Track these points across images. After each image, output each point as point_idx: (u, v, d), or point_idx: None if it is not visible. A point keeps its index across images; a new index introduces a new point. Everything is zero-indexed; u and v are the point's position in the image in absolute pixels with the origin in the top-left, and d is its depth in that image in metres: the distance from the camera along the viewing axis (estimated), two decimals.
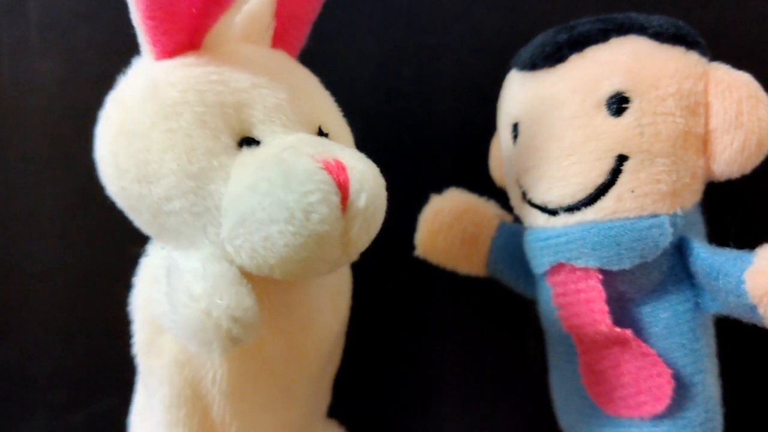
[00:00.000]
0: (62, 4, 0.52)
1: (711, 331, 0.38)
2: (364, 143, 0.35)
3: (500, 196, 0.44)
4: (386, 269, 0.48)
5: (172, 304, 0.29)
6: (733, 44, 0.46)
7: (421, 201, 0.45)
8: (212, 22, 0.31)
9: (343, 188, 0.29)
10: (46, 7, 0.52)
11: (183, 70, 0.31)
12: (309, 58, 0.39)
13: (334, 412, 0.45)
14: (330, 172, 0.29)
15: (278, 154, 0.30)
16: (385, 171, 0.33)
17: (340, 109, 0.37)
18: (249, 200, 0.29)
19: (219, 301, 0.28)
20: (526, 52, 0.39)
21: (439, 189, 0.45)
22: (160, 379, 0.34)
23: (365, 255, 0.44)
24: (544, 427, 0.45)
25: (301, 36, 0.38)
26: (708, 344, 0.38)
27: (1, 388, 0.53)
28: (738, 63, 0.37)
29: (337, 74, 0.38)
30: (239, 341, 0.28)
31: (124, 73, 0.34)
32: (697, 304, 0.37)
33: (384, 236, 0.35)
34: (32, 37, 0.51)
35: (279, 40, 0.37)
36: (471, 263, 0.44)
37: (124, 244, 0.51)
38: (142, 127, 0.31)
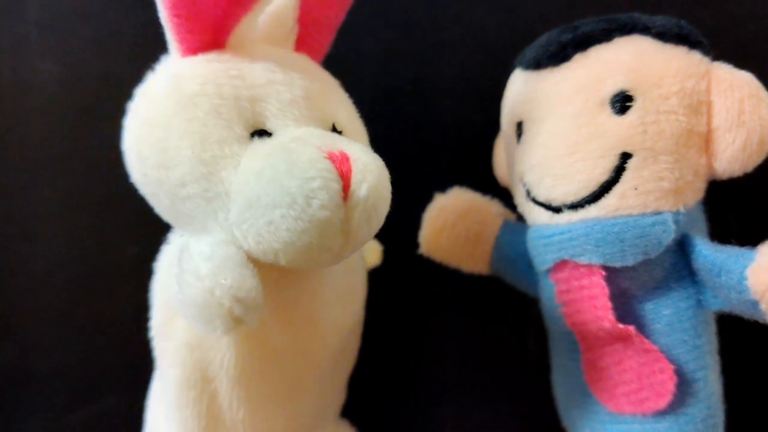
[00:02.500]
0: (62, 4, 0.51)
1: (713, 328, 0.38)
2: None
3: (502, 196, 0.45)
4: (389, 267, 0.48)
5: (179, 284, 0.30)
6: (733, 43, 0.46)
7: (423, 200, 0.45)
8: (235, 22, 0.33)
9: (345, 177, 0.30)
10: (45, 7, 0.51)
11: (205, 65, 0.33)
12: None
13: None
14: (333, 162, 0.30)
15: (285, 144, 0.31)
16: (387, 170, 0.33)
17: None
18: (255, 186, 0.30)
19: (223, 281, 0.28)
20: (530, 51, 0.39)
21: (439, 188, 0.45)
22: (172, 361, 0.35)
23: None
24: (545, 426, 0.45)
25: (325, 41, 0.39)
26: (710, 341, 0.38)
27: (1, 388, 0.53)
28: (738, 62, 0.37)
29: (337, 74, 0.38)
30: (241, 321, 0.29)
31: (123, 72, 0.36)
32: (699, 300, 0.37)
33: (387, 235, 0.35)
34: (32, 37, 0.51)
35: (302, 44, 0.38)
36: (475, 261, 0.44)
37: (124, 243, 0.52)
38: (164, 117, 0.32)
